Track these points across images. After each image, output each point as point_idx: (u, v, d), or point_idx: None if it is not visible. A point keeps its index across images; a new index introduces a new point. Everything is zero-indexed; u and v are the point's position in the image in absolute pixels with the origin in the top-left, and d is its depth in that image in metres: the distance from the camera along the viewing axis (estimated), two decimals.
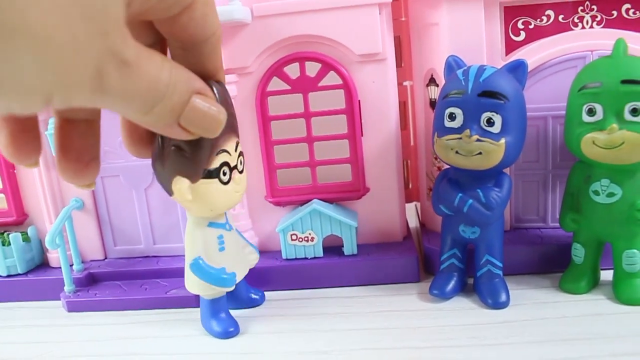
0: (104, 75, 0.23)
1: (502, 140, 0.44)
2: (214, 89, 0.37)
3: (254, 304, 0.52)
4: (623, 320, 0.43)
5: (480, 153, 0.44)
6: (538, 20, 0.51)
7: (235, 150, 0.42)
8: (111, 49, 0.23)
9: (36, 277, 0.59)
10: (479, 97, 0.44)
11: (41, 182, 0.58)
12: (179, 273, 0.56)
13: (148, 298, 0.54)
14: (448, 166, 0.49)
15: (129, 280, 0.58)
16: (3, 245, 0.59)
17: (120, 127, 0.36)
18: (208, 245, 0.45)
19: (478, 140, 0.44)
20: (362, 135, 0.54)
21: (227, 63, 0.53)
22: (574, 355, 0.39)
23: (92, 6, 0.22)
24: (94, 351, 0.47)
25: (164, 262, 0.59)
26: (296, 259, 0.55)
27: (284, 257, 0.55)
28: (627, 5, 0.50)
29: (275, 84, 0.54)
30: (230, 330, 0.47)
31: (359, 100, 0.53)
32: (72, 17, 0.22)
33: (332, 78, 0.53)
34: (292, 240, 0.54)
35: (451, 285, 0.50)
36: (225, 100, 0.38)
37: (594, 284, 0.49)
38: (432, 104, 0.56)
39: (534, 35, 0.52)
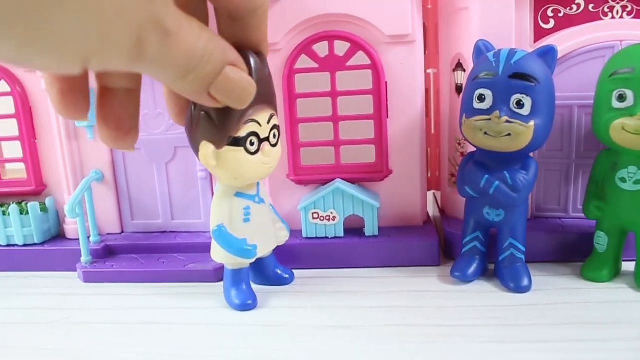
0: (143, 42, 0.24)
1: (532, 123, 0.44)
2: (252, 60, 0.37)
3: (281, 282, 0.52)
4: None
5: (509, 134, 0.44)
6: (568, 8, 0.52)
7: (268, 123, 0.42)
8: (154, 16, 0.24)
9: (52, 247, 0.59)
10: (510, 78, 0.44)
11: (62, 153, 0.58)
12: (198, 248, 0.56)
13: (166, 271, 0.54)
14: (471, 151, 0.49)
15: (146, 254, 0.58)
16: (21, 214, 0.58)
17: (165, 98, 0.37)
18: (233, 215, 0.45)
19: (507, 121, 0.44)
20: (387, 116, 0.54)
21: None
22: (599, 338, 0.39)
23: None
24: (112, 319, 0.47)
25: (182, 237, 0.59)
26: (317, 237, 0.55)
27: (304, 235, 0.55)
28: None
29: (303, 62, 0.54)
30: (248, 303, 0.47)
31: (386, 82, 0.53)
32: None
33: (360, 58, 0.53)
34: (313, 219, 0.54)
35: (473, 268, 0.49)
36: (262, 73, 0.39)
37: (616, 273, 0.49)
38: (458, 89, 0.56)
39: (564, 23, 0.52)
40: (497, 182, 0.46)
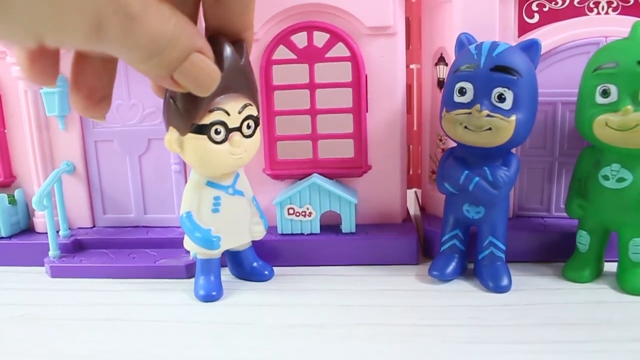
0: (103, 25, 0.23)
1: (513, 117, 0.42)
2: (226, 49, 0.37)
3: (259, 277, 0.50)
4: (628, 308, 0.42)
5: (489, 129, 0.43)
6: (553, 3, 0.51)
7: (240, 112, 0.41)
8: (115, 1, 0.23)
9: (20, 241, 0.57)
10: (492, 71, 0.42)
11: (32, 144, 0.57)
12: (170, 244, 0.55)
13: (136, 267, 0.52)
14: (452, 146, 0.48)
15: (117, 249, 0.56)
16: None
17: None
18: (202, 204, 0.45)
19: (488, 115, 0.42)
20: (367, 110, 0.53)
21: None
22: (579, 339, 0.38)
23: None
24: (76, 315, 0.45)
25: (155, 232, 0.57)
26: (292, 234, 0.53)
27: (279, 232, 0.54)
28: None
29: (281, 52, 0.52)
30: (212, 294, 0.46)
31: (366, 75, 0.52)
32: None
33: (339, 50, 0.52)
34: (288, 214, 0.53)
35: (451, 267, 0.48)
36: (235, 61, 0.38)
37: (598, 273, 0.48)
38: (440, 83, 0.54)
39: (548, 18, 0.51)
40: (477, 178, 0.45)
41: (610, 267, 0.48)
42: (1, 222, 0.57)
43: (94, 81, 0.30)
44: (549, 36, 0.50)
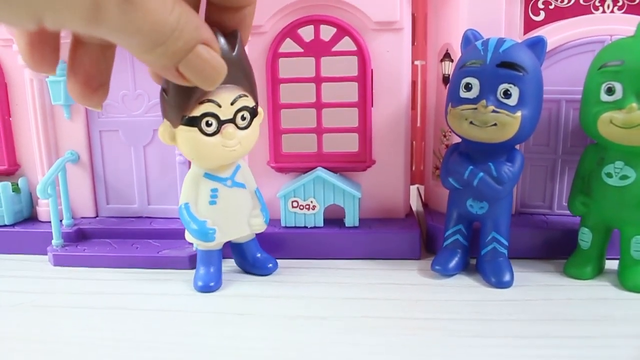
0: (101, 8, 0.23)
1: (518, 113, 0.43)
2: (218, 40, 0.36)
3: (262, 270, 0.50)
4: (629, 305, 0.42)
5: (495, 124, 0.43)
6: (559, 1, 0.51)
7: (232, 104, 0.41)
8: None
9: (23, 229, 0.57)
10: (498, 67, 0.43)
11: (37, 132, 0.57)
12: (173, 234, 0.55)
13: (139, 256, 0.52)
14: (456, 142, 0.48)
15: (120, 239, 0.56)
16: None
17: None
18: (199, 196, 0.45)
19: (494, 111, 0.43)
20: (372, 105, 0.53)
21: None
22: (581, 335, 0.38)
23: None
24: (78, 303, 0.45)
25: (158, 223, 0.57)
26: (295, 227, 0.54)
27: (282, 224, 0.54)
28: None
29: (288, 46, 0.52)
30: (210, 285, 0.46)
31: (372, 69, 0.52)
32: None
33: (346, 44, 0.52)
34: (292, 207, 0.53)
35: (454, 262, 0.48)
36: (227, 53, 0.38)
37: (599, 270, 0.48)
38: (445, 79, 0.55)
39: (554, 16, 0.51)
40: (481, 174, 0.45)
41: (612, 264, 0.48)
42: (5, 210, 0.57)
43: (91, 68, 0.30)
44: (554, 34, 0.50)
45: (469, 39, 0.47)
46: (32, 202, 0.61)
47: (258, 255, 0.50)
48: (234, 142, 0.42)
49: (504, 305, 0.43)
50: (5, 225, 0.58)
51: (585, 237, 0.48)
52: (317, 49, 0.52)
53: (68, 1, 0.22)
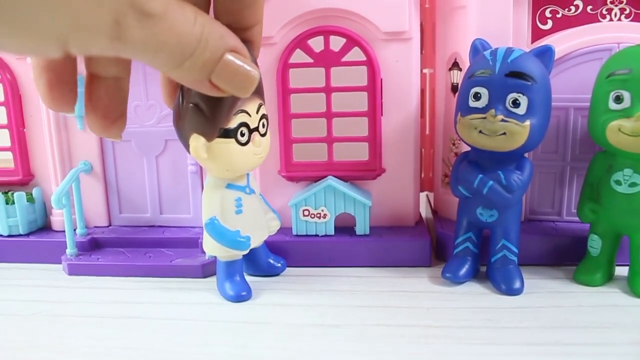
0: (122, 25, 0.23)
1: (527, 122, 0.43)
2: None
3: (273, 271, 0.52)
4: None
5: (504, 133, 0.43)
6: (566, 9, 0.51)
7: (257, 112, 0.42)
8: (132, 0, 0.23)
9: (38, 238, 0.58)
10: (506, 77, 0.43)
11: (50, 143, 0.57)
12: (186, 243, 0.55)
13: (152, 265, 0.53)
14: (465, 150, 0.49)
15: (133, 247, 0.57)
16: (7, 204, 0.57)
17: (160, 81, 0.37)
18: (225, 207, 0.45)
19: (503, 120, 0.43)
20: (382, 114, 0.54)
21: None
22: (590, 342, 0.38)
23: None
24: (93, 312, 0.46)
25: (171, 232, 0.58)
26: (307, 235, 0.54)
27: (294, 233, 0.54)
28: None
29: (298, 56, 0.53)
30: (242, 294, 0.46)
31: (381, 79, 0.53)
32: None
33: (355, 54, 0.53)
34: (304, 216, 0.54)
35: (464, 269, 0.49)
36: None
37: (609, 277, 0.48)
38: (454, 88, 0.55)
39: (561, 24, 0.51)
40: (491, 182, 0.45)
41: (622, 271, 0.48)
42: (20, 219, 0.58)
43: (108, 100, 0.30)
44: (562, 42, 0.51)
45: (477, 49, 0.47)
46: (46, 212, 0.61)
47: (269, 259, 0.52)
48: (261, 149, 0.43)
49: (515, 312, 0.43)
50: (20, 235, 0.58)
51: (595, 244, 0.48)
52: (327, 60, 0.53)
53: (89, 22, 0.22)
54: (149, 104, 0.56)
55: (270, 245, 0.51)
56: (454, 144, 0.56)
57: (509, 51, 0.44)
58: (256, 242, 0.48)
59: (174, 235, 0.57)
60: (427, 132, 0.62)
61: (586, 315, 0.42)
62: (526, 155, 0.47)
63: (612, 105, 0.43)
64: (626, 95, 0.43)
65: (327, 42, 0.53)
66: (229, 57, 0.28)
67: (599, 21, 0.51)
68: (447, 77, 0.56)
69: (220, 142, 0.41)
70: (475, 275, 0.50)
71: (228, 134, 0.40)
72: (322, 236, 0.54)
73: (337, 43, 0.53)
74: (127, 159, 0.58)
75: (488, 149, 0.45)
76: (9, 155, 0.59)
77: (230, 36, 0.29)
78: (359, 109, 0.54)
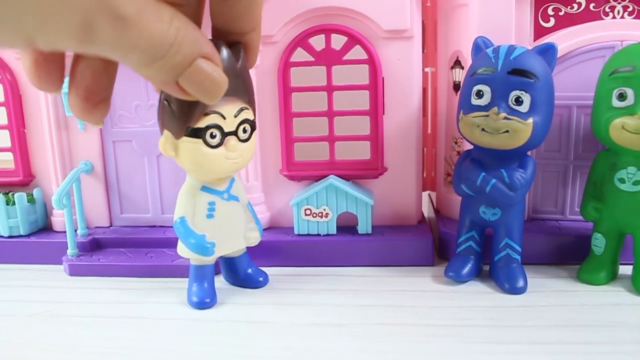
0: (93, 28, 0.23)
1: (530, 120, 0.43)
2: (222, 51, 0.37)
3: (253, 284, 0.49)
4: None
5: (507, 131, 0.43)
6: (569, 7, 0.51)
7: (236, 116, 0.41)
8: (104, 3, 0.23)
9: (39, 239, 0.58)
10: (509, 74, 0.43)
11: (51, 143, 0.57)
12: None
13: (153, 265, 0.53)
14: (468, 149, 0.49)
15: (134, 248, 0.56)
16: (7, 204, 0.57)
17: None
18: (196, 209, 0.44)
19: (505, 118, 0.43)
20: (383, 113, 0.53)
21: None
22: (594, 341, 0.38)
23: None
24: (94, 312, 0.46)
25: (172, 232, 0.57)
26: (308, 235, 0.54)
27: (296, 232, 0.54)
28: None
29: (299, 55, 0.53)
30: (206, 301, 0.45)
31: (383, 77, 0.53)
32: None
33: (357, 53, 0.52)
34: (305, 215, 0.53)
35: (467, 268, 0.48)
36: (231, 64, 0.38)
37: (613, 276, 0.48)
38: (456, 86, 0.55)
39: (564, 22, 0.51)
40: (493, 180, 0.45)
41: (626, 269, 0.48)
42: (20, 220, 0.57)
43: (93, 83, 0.29)
44: (564, 40, 0.50)
45: (479, 47, 0.47)
46: (46, 213, 0.61)
47: (249, 270, 0.50)
48: (236, 155, 0.42)
49: (518, 311, 0.43)
50: (20, 236, 0.58)
51: (599, 243, 0.48)
52: (328, 58, 0.53)
53: (58, 23, 0.22)
54: (149, 104, 0.56)
55: (272, 245, 0.51)
56: (456, 143, 0.56)
57: (511, 49, 0.44)
58: (226, 250, 0.47)
59: (175, 235, 0.55)
60: (429, 130, 0.62)
61: (590, 314, 0.42)
62: (529, 153, 0.47)
63: (616, 103, 0.43)
64: (629, 92, 0.42)
65: (328, 41, 0.52)
66: (200, 62, 0.28)
67: (602, 19, 0.51)
68: (448, 76, 0.56)
69: (186, 142, 0.40)
70: (478, 274, 0.50)
71: (196, 133, 0.40)
72: (324, 235, 0.54)
73: (338, 41, 0.52)
74: (128, 159, 0.58)
75: (491, 147, 0.44)
76: (9, 155, 0.59)
77: (205, 42, 0.29)
78: (360, 108, 0.54)
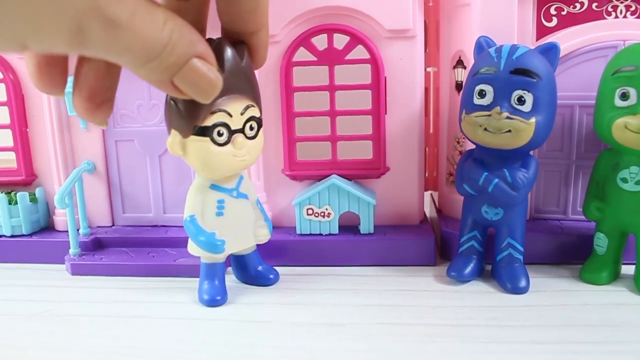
0: (85, 32, 0.23)
1: (533, 119, 0.43)
2: (227, 50, 0.37)
3: (264, 281, 0.49)
4: None
5: (509, 131, 0.43)
6: (571, 7, 0.51)
7: (242, 114, 0.41)
8: (96, 7, 0.23)
9: (41, 238, 0.58)
10: (511, 74, 0.43)
11: (53, 143, 0.57)
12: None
13: (155, 265, 0.53)
14: (470, 148, 0.49)
15: (136, 247, 0.57)
16: (9, 204, 0.57)
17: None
18: (206, 207, 0.44)
19: (508, 117, 0.43)
20: (385, 112, 0.53)
21: None
22: (597, 341, 0.38)
23: None
24: (96, 312, 0.46)
25: (174, 231, 0.57)
26: (311, 234, 0.54)
27: (298, 232, 0.54)
28: None
29: (302, 54, 0.53)
30: (217, 299, 0.46)
31: (385, 77, 0.53)
32: None
33: (359, 52, 0.52)
34: (307, 214, 0.53)
35: (469, 268, 0.48)
36: (236, 63, 0.38)
37: (615, 276, 0.48)
38: (458, 86, 0.55)
39: (566, 22, 0.51)
40: (496, 180, 0.45)
41: (628, 269, 0.48)
42: (22, 219, 0.58)
43: (96, 83, 0.29)
44: (567, 39, 0.50)
45: (481, 46, 0.47)
46: (49, 212, 0.61)
47: (259, 267, 0.50)
48: (243, 152, 0.42)
49: (520, 311, 0.43)
50: (23, 235, 0.58)
51: (601, 242, 0.48)
52: (330, 58, 0.53)
53: (50, 29, 0.22)
54: (151, 104, 0.56)
55: (274, 245, 0.51)
56: (458, 142, 0.56)
57: (513, 48, 0.44)
58: (236, 248, 0.47)
59: (177, 234, 0.56)
60: (431, 130, 0.62)
61: (592, 314, 0.42)
62: (532, 153, 0.47)
63: (618, 103, 0.43)
64: (632, 92, 0.42)
65: (330, 40, 0.52)
66: (195, 62, 0.29)
67: (605, 18, 0.51)
68: (451, 75, 0.56)
69: (195, 140, 0.40)
70: (481, 273, 0.50)
71: (204, 132, 0.40)
72: (326, 235, 0.54)
73: (340, 41, 0.52)
74: (130, 158, 0.58)
75: (493, 146, 0.44)
76: (11, 155, 0.59)
77: (200, 43, 0.29)
78: (362, 107, 0.54)
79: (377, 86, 0.53)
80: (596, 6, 0.51)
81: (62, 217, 0.59)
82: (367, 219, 0.53)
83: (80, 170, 0.56)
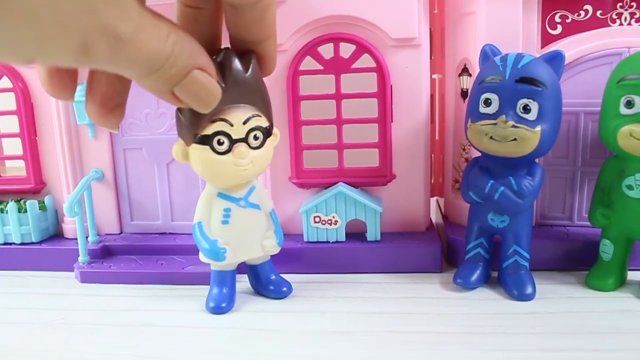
0: (91, 49, 0.24)
1: (538, 128, 0.43)
2: (233, 60, 0.38)
3: (275, 293, 0.49)
4: None
5: (515, 139, 0.43)
6: (576, 14, 0.51)
7: (244, 124, 0.41)
8: (101, 25, 0.23)
9: (50, 246, 0.58)
10: (517, 83, 0.43)
11: (62, 151, 0.58)
12: (197, 250, 0.55)
13: (164, 273, 0.53)
14: (476, 156, 0.49)
15: (144, 255, 0.57)
16: (19, 212, 0.58)
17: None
18: (212, 215, 0.45)
19: (514, 126, 0.43)
20: (392, 120, 0.54)
21: None
22: (604, 348, 0.38)
23: None
24: (107, 320, 0.46)
25: (182, 239, 0.58)
26: (318, 242, 0.54)
27: (305, 239, 0.55)
28: None
29: (308, 63, 0.53)
30: (221, 306, 0.46)
31: (391, 85, 0.53)
32: None
33: (365, 61, 0.53)
34: (315, 222, 0.54)
35: (476, 275, 0.49)
36: (240, 73, 0.39)
37: (621, 282, 0.48)
38: (464, 94, 0.55)
39: (571, 29, 0.51)
40: (502, 188, 0.45)
41: (634, 276, 0.48)
42: (32, 227, 0.58)
43: (108, 89, 0.30)
44: (572, 47, 0.51)
45: (487, 54, 0.47)
46: (58, 220, 0.62)
47: (272, 277, 0.49)
48: (245, 162, 0.42)
49: (527, 318, 0.43)
50: (32, 243, 0.59)
51: (607, 249, 0.48)
52: (336, 66, 0.53)
53: (55, 47, 0.23)
54: (159, 112, 0.57)
55: (281, 253, 0.51)
56: (464, 150, 0.56)
57: (519, 57, 0.44)
58: (241, 257, 0.47)
59: (185, 242, 0.57)
60: (437, 137, 0.62)
61: (598, 321, 0.42)
62: (537, 160, 0.47)
63: (623, 110, 0.44)
64: (637, 100, 0.43)
65: (337, 49, 0.53)
66: (195, 74, 0.29)
67: (609, 26, 0.51)
68: (456, 83, 0.56)
69: (196, 148, 0.41)
70: (487, 280, 0.50)
71: (204, 140, 0.41)
72: (333, 242, 0.54)
73: (346, 50, 0.53)
74: (139, 166, 0.59)
75: (499, 154, 0.45)
76: (21, 163, 0.60)
77: (201, 54, 0.30)
78: (369, 115, 0.54)
79: (383, 94, 0.53)
80: (601, 14, 0.51)
81: (71, 225, 0.59)
82: (374, 226, 0.53)
83: (89, 178, 0.57)
